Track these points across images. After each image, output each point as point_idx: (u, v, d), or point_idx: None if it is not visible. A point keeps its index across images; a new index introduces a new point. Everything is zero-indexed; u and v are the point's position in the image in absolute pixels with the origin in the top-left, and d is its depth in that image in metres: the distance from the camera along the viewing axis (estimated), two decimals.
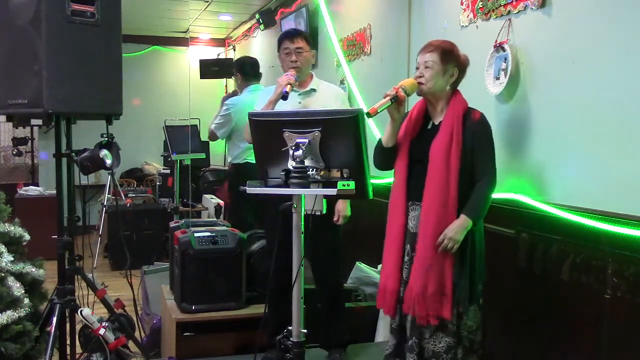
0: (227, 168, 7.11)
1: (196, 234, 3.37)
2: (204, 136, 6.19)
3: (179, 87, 8.21)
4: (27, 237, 2.88)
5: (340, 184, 1.91)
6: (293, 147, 1.99)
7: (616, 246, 2.30)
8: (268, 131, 2.11)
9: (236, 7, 6.95)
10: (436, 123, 2.58)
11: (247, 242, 3.51)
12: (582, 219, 2.42)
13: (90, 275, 3.05)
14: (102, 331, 2.72)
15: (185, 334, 3.28)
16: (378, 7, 4.38)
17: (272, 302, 3.06)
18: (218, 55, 8.96)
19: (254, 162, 3.41)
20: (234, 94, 4.85)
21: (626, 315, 2.28)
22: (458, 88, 2.62)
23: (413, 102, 2.73)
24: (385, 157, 2.66)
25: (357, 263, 3.95)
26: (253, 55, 6.20)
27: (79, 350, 2.94)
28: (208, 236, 3.38)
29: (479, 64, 2.93)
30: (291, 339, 2.14)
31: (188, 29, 8.30)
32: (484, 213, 2.50)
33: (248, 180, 2.10)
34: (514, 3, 2.84)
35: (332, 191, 1.94)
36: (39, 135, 7.96)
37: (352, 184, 1.91)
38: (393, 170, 2.66)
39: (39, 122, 2.99)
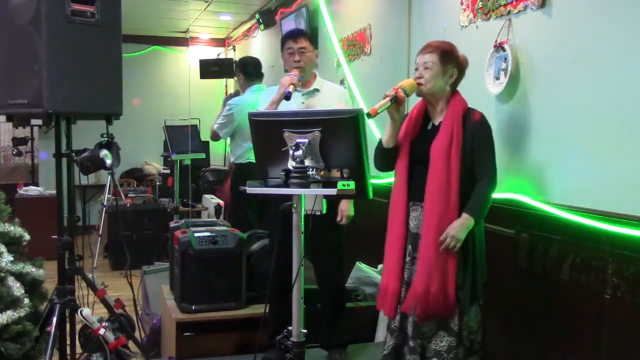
0: (227, 168, 7.13)
1: (196, 234, 3.37)
2: (204, 136, 6.20)
3: (179, 87, 8.21)
4: (27, 237, 2.88)
5: (340, 184, 1.91)
6: (293, 147, 1.99)
7: (616, 246, 2.30)
8: (268, 131, 2.11)
9: (236, 7, 6.95)
10: (436, 124, 2.59)
11: (247, 242, 3.51)
12: (582, 219, 2.42)
13: (90, 275, 3.05)
14: (102, 331, 2.72)
15: (185, 334, 3.28)
16: (378, 7, 4.38)
17: (273, 302, 3.07)
18: (218, 55, 8.96)
19: None
20: (236, 94, 4.85)
21: (626, 315, 2.28)
22: (458, 88, 2.62)
23: (413, 102, 2.73)
24: (386, 158, 2.67)
25: (357, 263, 3.95)
26: (253, 55, 6.20)
27: (79, 350, 2.94)
28: (208, 236, 3.38)
29: (479, 64, 2.93)
30: (291, 339, 2.14)
31: (188, 29, 8.31)
32: (485, 212, 2.50)
33: (251, 180, 2.10)
34: (514, 3, 2.84)
35: (332, 191, 1.94)
36: (39, 135, 7.96)
37: (352, 184, 1.91)
38: (394, 170, 2.67)
39: (39, 122, 3.00)
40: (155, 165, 8.39)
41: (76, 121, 2.84)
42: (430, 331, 2.51)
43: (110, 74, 2.75)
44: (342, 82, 4.69)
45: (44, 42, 2.52)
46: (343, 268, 3.34)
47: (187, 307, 3.31)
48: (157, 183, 6.95)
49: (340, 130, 1.98)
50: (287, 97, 2.90)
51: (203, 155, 6.00)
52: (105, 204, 5.99)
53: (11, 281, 2.62)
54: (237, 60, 4.77)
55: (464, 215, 2.44)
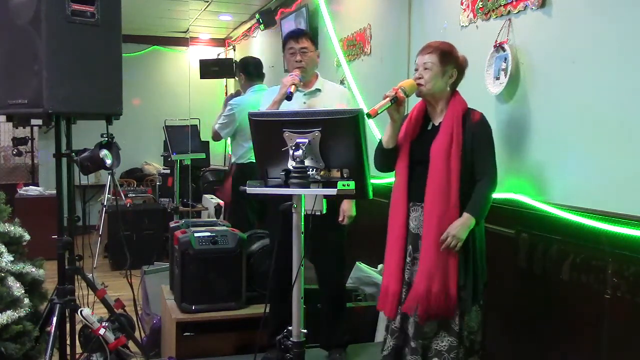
0: (227, 168, 7.13)
1: (196, 234, 3.37)
2: (204, 136, 6.20)
3: (179, 87, 8.21)
4: (27, 237, 2.88)
5: (340, 184, 1.91)
6: (293, 147, 1.99)
7: (616, 246, 2.30)
8: (268, 131, 2.11)
9: (236, 7, 6.95)
10: (436, 124, 2.59)
11: (247, 242, 3.51)
12: (582, 219, 2.42)
13: (90, 275, 3.05)
14: (102, 331, 2.72)
15: (185, 334, 3.28)
16: (378, 7, 4.38)
17: (273, 302, 3.07)
18: (218, 55, 8.96)
19: None
20: (238, 94, 4.85)
21: (626, 315, 2.28)
22: (458, 88, 2.62)
23: (413, 103, 2.73)
24: (386, 159, 2.67)
25: (357, 263, 3.95)
26: (253, 55, 6.20)
27: (79, 350, 2.94)
28: (208, 236, 3.38)
29: (479, 64, 2.93)
30: (291, 339, 2.14)
31: (188, 29, 8.31)
32: (485, 212, 2.50)
33: (252, 180, 2.10)
34: (514, 3, 2.84)
35: (332, 191, 1.94)
36: (39, 135, 7.96)
37: (352, 184, 1.91)
38: (394, 171, 2.67)
39: (39, 122, 3.00)
40: (155, 165, 8.39)
41: (76, 121, 2.84)
42: (431, 331, 2.51)
43: (110, 74, 2.75)
44: (342, 82, 4.69)
45: (44, 42, 2.52)
46: (344, 268, 3.34)
47: (187, 307, 3.31)
48: (157, 183, 6.95)
49: (340, 130, 1.98)
50: (289, 97, 2.90)
51: (203, 155, 6.00)
52: (105, 204, 5.99)
53: (11, 281, 2.62)
54: (238, 60, 4.76)
55: (465, 215, 2.44)
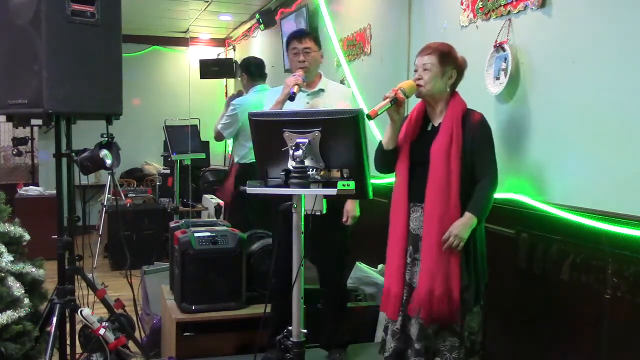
0: (227, 168, 7.13)
1: (196, 234, 3.37)
2: (204, 136, 6.20)
3: (179, 87, 8.21)
4: (27, 237, 2.88)
5: (340, 184, 1.91)
6: (293, 147, 1.99)
7: (616, 246, 2.30)
8: (268, 131, 2.11)
9: (236, 7, 6.95)
10: (436, 125, 2.59)
11: (247, 242, 3.51)
12: (582, 219, 2.42)
13: (90, 275, 3.05)
14: (102, 331, 2.72)
15: (185, 334, 3.28)
16: (378, 7, 4.38)
17: (274, 302, 3.07)
18: (218, 55, 8.96)
19: None
20: (239, 94, 4.85)
21: (626, 315, 2.28)
22: (458, 88, 2.62)
23: (413, 104, 2.73)
24: (386, 160, 2.67)
25: (357, 263, 3.96)
26: (253, 55, 6.20)
27: (79, 350, 2.94)
28: (208, 236, 3.38)
29: (479, 64, 2.93)
30: (291, 339, 2.14)
31: (188, 29, 8.31)
32: (487, 211, 2.50)
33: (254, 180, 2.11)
34: (514, 3, 2.84)
35: (332, 191, 1.94)
36: (39, 135, 7.96)
37: (352, 184, 1.91)
38: (394, 172, 2.67)
39: (39, 122, 3.00)
40: (155, 165, 8.39)
41: (76, 121, 2.84)
42: (433, 332, 2.51)
43: (110, 74, 2.75)
44: (342, 82, 4.69)
45: (44, 42, 2.52)
46: (345, 268, 3.34)
47: (187, 307, 3.31)
48: (157, 183, 6.95)
49: (340, 130, 1.98)
50: (291, 97, 2.90)
51: (203, 155, 6.00)
52: (105, 204, 5.99)
53: (11, 281, 2.62)
54: (241, 60, 4.76)
55: (467, 214, 2.45)
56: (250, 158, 4.35)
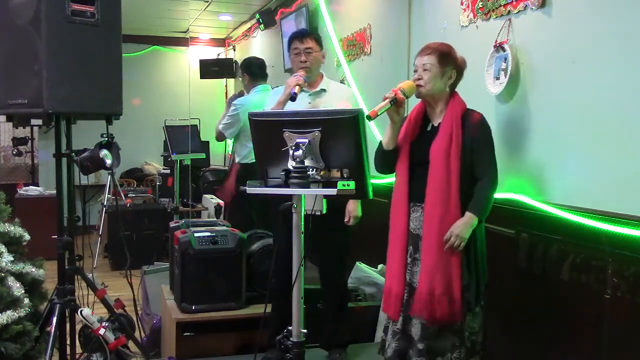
0: (227, 168, 7.12)
1: (196, 234, 3.37)
2: (204, 136, 6.20)
3: (179, 87, 8.21)
4: (27, 237, 2.88)
5: (340, 184, 1.91)
6: (293, 147, 1.99)
7: (616, 246, 2.30)
8: (268, 131, 2.11)
9: (236, 7, 6.95)
10: (435, 125, 2.59)
11: (247, 242, 3.51)
12: (582, 219, 2.42)
13: (90, 275, 3.05)
14: (102, 331, 2.72)
15: (185, 334, 3.28)
16: (378, 7, 4.38)
17: (274, 302, 3.07)
18: (218, 55, 8.96)
19: None
20: (241, 94, 4.85)
21: (626, 315, 2.28)
22: (458, 88, 2.62)
23: (413, 104, 2.73)
24: (386, 160, 2.67)
25: (357, 263, 3.96)
26: (252, 55, 6.20)
27: (79, 350, 2.94)
28: (208, 236, 3.38)
29: (479, 64, 2.93)
30: (291, 339, 2.14)
31: (188, 29, 8.31)
32: (487, 211, 2.50)
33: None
34: (514, 3, 2.84)
35: (332, 191, 1.94)
36: (39, 135, 7.96)
37: (352, 184, 1.91)
38: (394, 172, 2.67)
39: (39, 122, 2.99)
40: (155, 165, 8.39)
41: (76, 121, 2.84)
42: (434, 331, 2.51)
43: (110, 74, 2.75)
44: (342, 82, 4.69)
45: (44, 42, 2.52)
46: (346, 268, 3.35)
47: (187, 307, 3.31)
48: (157, 183, 6.95)
49: (340, 130, 1.98)
50: (293, 98, 2.90)
51: (203, 155, 6.00)
52: (105, 204, 5.99)
53: (11, 281, 2.62)
54: (242, 60, 4.76)
55: (468, 214, 2.45)
56: (252, 158, 4.35)
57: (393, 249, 2.62)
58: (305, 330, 2.14)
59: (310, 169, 2.00)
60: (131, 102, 6.19)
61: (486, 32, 3.04)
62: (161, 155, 6.99)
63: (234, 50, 8.77)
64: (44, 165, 7.93)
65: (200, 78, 8.02)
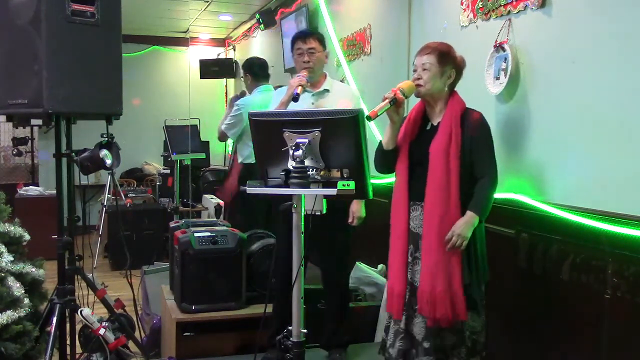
0: (227, 168, 7.13)
1: (196, 234, 3.37)
2: (204, 136, 6.20)
3: (179, 87, 8.21)
4: (27, 237, 2.88)
5: (340, 184, 1.91)
6: (293, 147, 1.99)
7: (616, 246, 2.30)
8: (268, 131, 2.11)
9: (236, 7, 6.95)
10: (435, 124, 2.59)
11: (247, 242, 3.51)
12: (582, 219, 2.42)
13: (90, 275, 3.05)
14: (102, 331, 2.72)
15: (185, 334, 3.28)
16: (378, 7, 4.38)
17: (275, 302, 3.07)
18: (218, 55, 8.96)
19: None
20: (242, 94, 4.85)
21: (626, 315, 2.28)
22: (458, 88, 2.62)
23: (413, 104, 2.73)
24: (386, 160, 2.67)
25: (357, 263, 3.95)
26: (253, 55, 6.20)
27: (79, 350, 2.94)
28: (208, 236, 3.38)
29: (479, 64, 2.93)
30: (291, 339, 2.14)
31: (188, 29, 8.31)
32: (488, 210, 2.51)
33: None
34: (514, 3, 2.84)
35: (332, 191, 1.94)
36: (39, 135, 7.96)
37: (352, 184, 1.91)
38: (394, 172, 2.67)
39: (39, 122, 2.99)
40: (155, 165, 8.39)
41: (76, 121, 2.84)
42: (435, 331, 2.51)
43: (110, 74, 2.75)
44: (342, 82, 4.69)
45: (44, 42, 2.52)
46: (347, 268, 3.35)
47: (187, 307, 3.31)
48: (157, 183, 6.95)
49: (340, 130, 1.98)
50: (295, 98, 2.90)
51: (203, 155, 6.00)
52: (105, 204, 5.99)
53: (11, 281, 2.61)
54: (244, 61, 4.77)
55: (469, 213, 2.45)
56: (254, 158, 4.35)
57: (394, 249, 2.62)
58: (305, 330, 2.14)
59: (310, 169, 2.00)
60: (131, 102, 6.19)
61: (486, 32, 3.04)
62: (161, 155, 6.99)
63: (234, 50, 8.77)
64: (44, 165, 7.93)
65: (200, 78, 8.02)
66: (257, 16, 6.59)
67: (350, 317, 3.38)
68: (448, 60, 2.55)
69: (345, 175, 1.99)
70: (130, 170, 8.55)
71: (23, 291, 2.63)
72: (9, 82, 2.63)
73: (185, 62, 8.60)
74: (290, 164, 2.01)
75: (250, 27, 7.70)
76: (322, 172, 2.01)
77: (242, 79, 4.77)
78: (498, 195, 2.67)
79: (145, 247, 5.67)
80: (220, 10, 7.14)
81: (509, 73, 2.81)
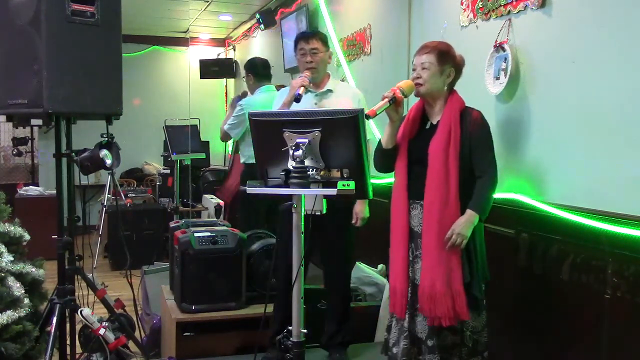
0: (227, 168, 7.13)
1: (196, 234, 3.37)
2: (204, 136, 6.20)
3: (179, 87, 8.21)
4: (27, 237, 2.88)
5: (340, 184, 1.91)
6: (293, 147, 1.99)
7: (616, 246, 2.30)
8: (268, 131, 2.11)
9: (236, 7, 6.95)
10: (434, 123, 2.59)
11: (247, 242, 3.51)
12: (582, 219, 2.42)
13: (90, 275, 3.05)
14: (102, 331, 2.72)
15: (185, 334, 3.28)
16: (378, 7, 4.38)
17: (277, 302, 3.07)
18: (218, 55, 8.96)
19: None
20: (244, 95, 4.85)
21: (626, 315, 2.28)
22: (458, 88, 2.62)
23: (412, 103, 2.73)
24: (386, 159, 2.67)
25: (357, 263, 3.95)
26: (253, 55, 6.20)
27: (79, 350, 2.94)
28: (208, 236, 3.38)
29: (479, 64, 2.93)
30: (291, 338, 2.14)
31: (188, 29, 8.31)
32: (487, 209, 2.51)
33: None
34: (514, 3, 2.84)
35: (332, 191, 1.94)
36: (39, 135, 7.96)
37: (352, 184, 1.91)
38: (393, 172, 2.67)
39: (39, 122, 2.99)
40: (155, 165, 8.39)
41: (76, 121, 2.84)
42: (437, 329, 2.51)
43: (110, 74, 2.75)
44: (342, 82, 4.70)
45: (44, 42, 2.52)
46: (350, 268, 3.35)
47: (187, 307, 3.31)
48: (157, 183, 6.95)
49: (340, 130, 1.98)
50: (297, 99, 2.90)
51: (203, 155, 6.00)
52: (105, 204, 5.98)
53: (11, 281, 2.61)
54: (246, 61, 4.77)
55: (469, 212, 2.45)
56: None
57: (395, 248, 2.62)
58: (305, 330, 2.14)
59: (310, 169, 2.00)
60: (131, 102, 6.19)
61: (486, 32, 3.04)
62: (161, 155, 6.99)
63: (234, 50, 8.77)
64: (44, 165, 7.93)
65: (200, 78, 8.02)
66: (257, 16, 6.59)
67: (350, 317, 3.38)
68: (447, 59, 2.55)
69: (345, 175, 1.99)
70: (130, 170, 8.55)
71: (23, 291, 2.63)
72: (9, 82, 2.63)
73: (185, 62, 8.60)
74: (290, 164, 2.01)
75: (250, 27, 7.70)
76: (322, 172, 2.01)
77: (243, 79, 4.77)
78: (498, 195, 2.67)
79: (145, 247, 5.67)
80: (220, 10, 7.14)
81: (508, 73, 2.81)
